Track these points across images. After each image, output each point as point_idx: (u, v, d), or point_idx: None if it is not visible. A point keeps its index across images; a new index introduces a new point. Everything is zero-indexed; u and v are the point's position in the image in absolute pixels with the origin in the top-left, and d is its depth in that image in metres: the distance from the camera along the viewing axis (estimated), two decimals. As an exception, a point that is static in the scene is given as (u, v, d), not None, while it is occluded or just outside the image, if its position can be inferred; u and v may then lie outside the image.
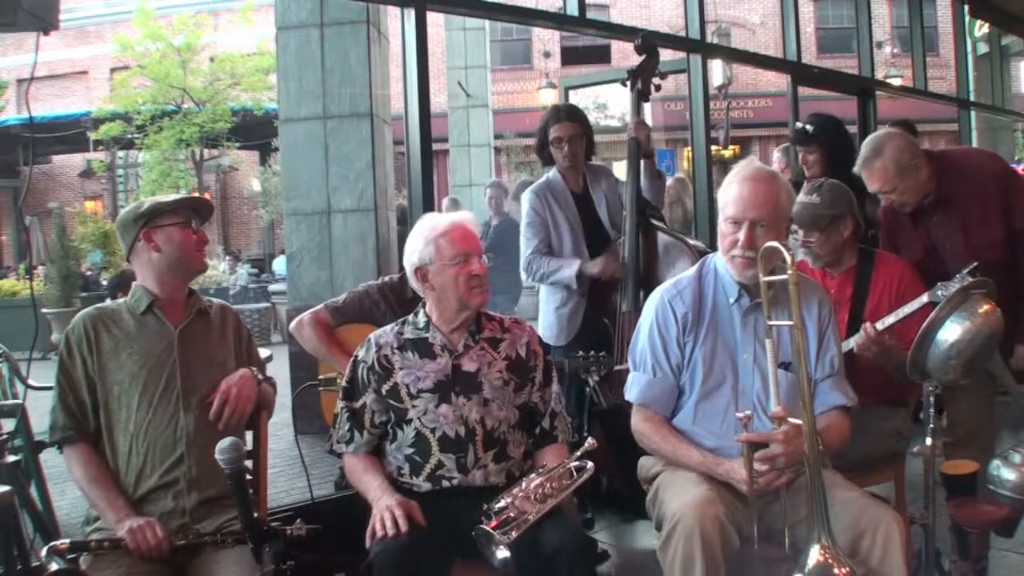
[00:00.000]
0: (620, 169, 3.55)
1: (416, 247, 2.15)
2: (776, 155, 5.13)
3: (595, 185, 3.47)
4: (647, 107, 3.45)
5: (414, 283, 2.20)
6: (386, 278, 3.08)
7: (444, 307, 2.15)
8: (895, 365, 2.44)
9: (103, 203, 17.66)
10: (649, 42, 3.42)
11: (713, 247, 2.28)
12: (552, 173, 3.47)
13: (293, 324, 2.97)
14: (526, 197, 3.45)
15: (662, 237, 3.30)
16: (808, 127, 3.57)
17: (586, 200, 3.45)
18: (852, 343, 2.55)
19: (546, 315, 3.45)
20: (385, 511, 1.93)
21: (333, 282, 4.99)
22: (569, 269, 3.29)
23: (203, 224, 2.19)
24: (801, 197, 2.70)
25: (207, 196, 16.96)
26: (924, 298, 2.48)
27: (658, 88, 3.45)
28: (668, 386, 2.16)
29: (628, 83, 3.40)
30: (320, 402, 3.03)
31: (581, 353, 2.93)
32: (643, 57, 3.39)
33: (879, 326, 2.51)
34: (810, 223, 2.68)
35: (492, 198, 6.75)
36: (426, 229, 2.15)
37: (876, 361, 2.53)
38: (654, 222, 3.34)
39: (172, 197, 2.15)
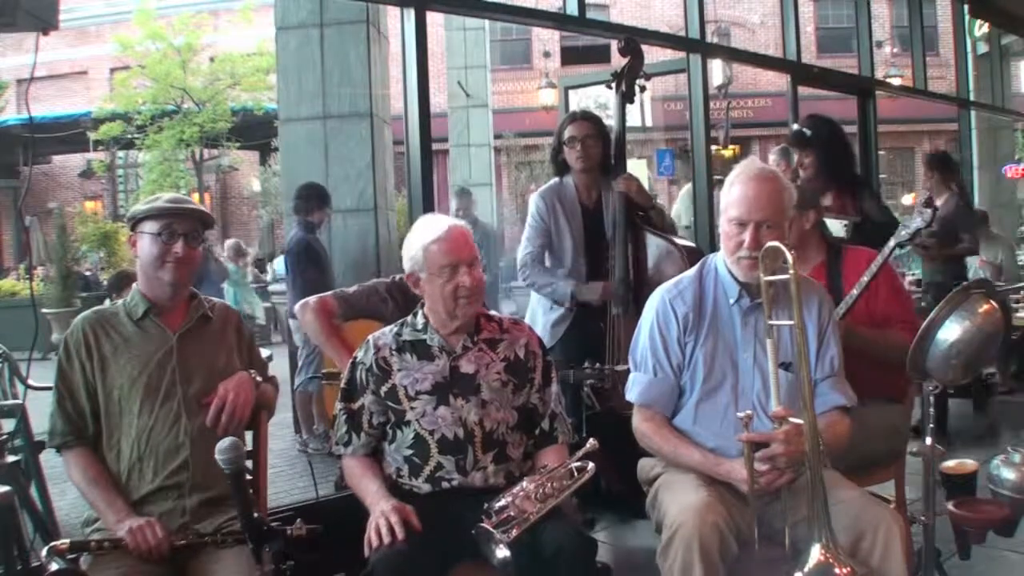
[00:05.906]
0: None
1: (409, 252, 2.15)
2: (772, 157, 5.12)
3: (608, 196, 3.37)
4: (646, 107, 3.44)
5: (410, 284, 2.20)
6: (397, 277, 3.06)
7: (437, 313, 2.15)
8: (887, 351, 2.44)
9: (103, 203, 17.65)
10: (632, 44, 3.40)
11: (714, 247, 2.28)
12: (566, 179, 3.43)
13: (298, 305, 2.92)
14: (533, 200, 3.42)
15: (650, 239, 3.30)
16: (805, 130, 3.57)
17: (596, 215, 3.40)
18: None
19: (534, 319, 3.45)
20: (380, 519, 1.91)
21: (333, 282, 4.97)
22: (564, 288, 3.26)
23: (190, 233, 2.06)
24: None
25: (207, 197, 17.01)
26: (889, 246, 2.55)
27: (643, 89, 3.42)
28: (669, 386, 2.15)
29: (612, 85, 3.39)
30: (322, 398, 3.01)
31: (587, 366, 2.92)
32: (627, 59, 3.37)
33: (847, 301, 2.55)
34: None
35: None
36: (420, 234, 2.13)
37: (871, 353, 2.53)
38: (644, 227, 3.33)
39: (160, 203, 2.06)
